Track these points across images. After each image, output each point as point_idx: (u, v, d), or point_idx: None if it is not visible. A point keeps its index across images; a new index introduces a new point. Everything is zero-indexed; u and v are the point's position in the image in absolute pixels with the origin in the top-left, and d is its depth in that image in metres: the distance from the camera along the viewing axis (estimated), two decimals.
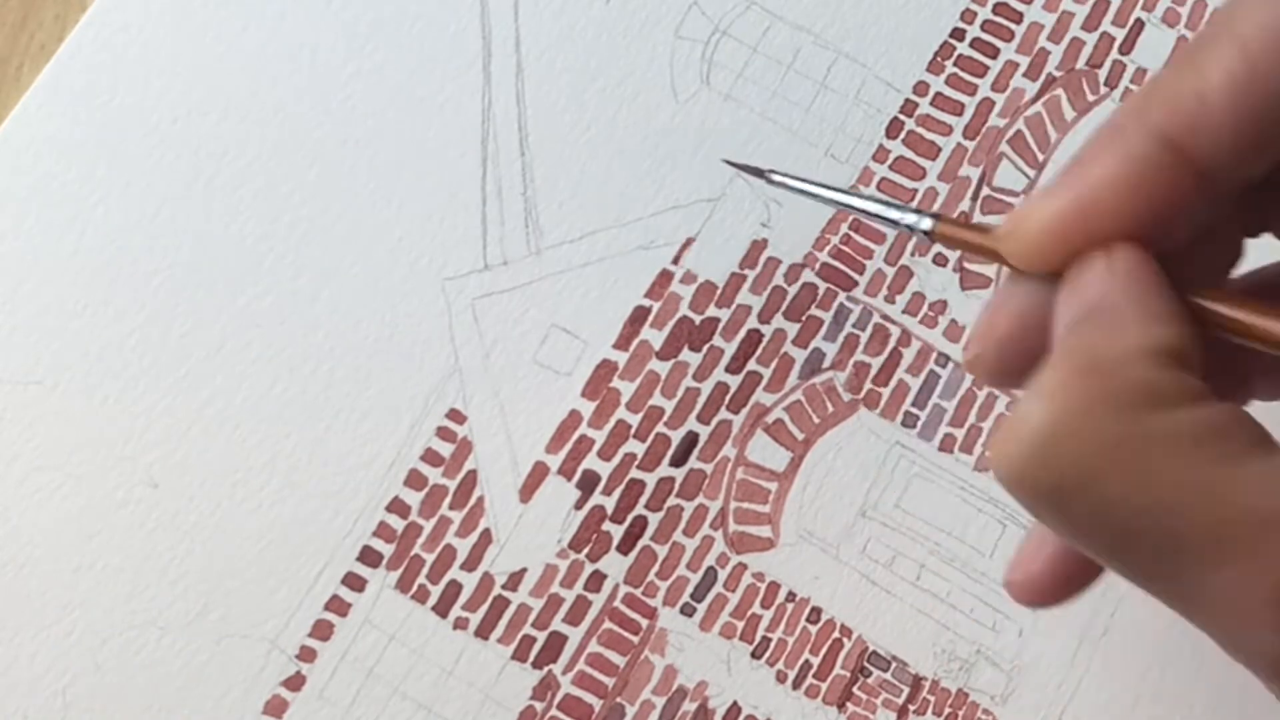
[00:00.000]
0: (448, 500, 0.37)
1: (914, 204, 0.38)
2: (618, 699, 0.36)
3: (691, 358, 0.37)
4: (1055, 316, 0.27)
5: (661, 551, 0.36)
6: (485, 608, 0.36)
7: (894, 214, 0.29)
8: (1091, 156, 0.27)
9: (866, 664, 0.36)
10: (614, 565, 0.36)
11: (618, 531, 0.36)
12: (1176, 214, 0.26)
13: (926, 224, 0.29)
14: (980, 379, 0.29)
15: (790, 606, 0.36)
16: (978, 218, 0.38)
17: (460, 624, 0.36)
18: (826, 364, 0.38)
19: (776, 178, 0.32)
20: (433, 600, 0.36)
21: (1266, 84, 0.25)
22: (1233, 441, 0.24)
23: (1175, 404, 0.24)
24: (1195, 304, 0.26)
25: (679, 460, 0.37)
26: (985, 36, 0.39)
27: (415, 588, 0.36)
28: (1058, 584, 0.29)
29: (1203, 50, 0.26)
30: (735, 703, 0.36)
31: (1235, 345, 0.27)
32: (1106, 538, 0.24)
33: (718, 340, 0.37)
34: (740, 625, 0.36)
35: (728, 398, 0.37)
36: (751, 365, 0.37)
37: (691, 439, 0.37)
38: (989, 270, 0.38)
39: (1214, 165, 0.26)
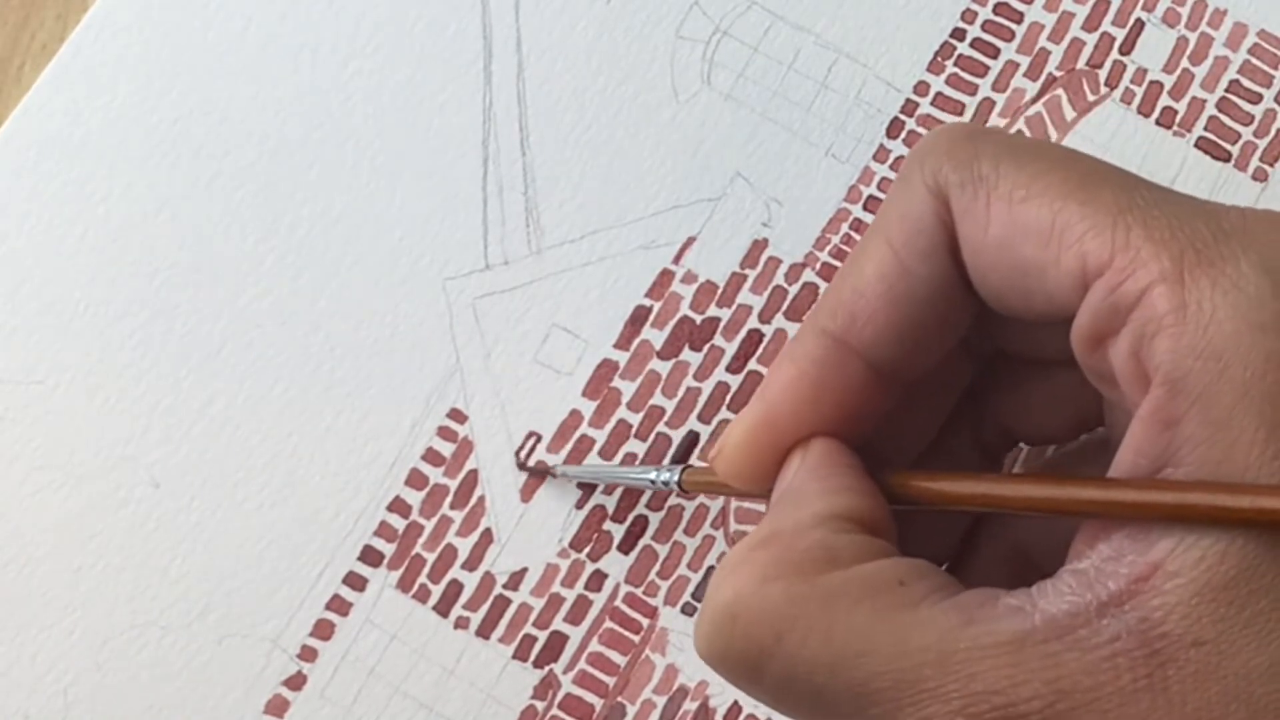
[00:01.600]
0: (449, 500, 0.37)
1: None
2: (619, 698, 0.36)
3: (692, 357, 0.37)
4: None
5: (662, 551, 0.36)
6: (486, 607, 0.36)
7: (651, 474, 0.33)
8: (774, 367, 0.28)
9: None
10: (615, 565, 0.36)
11: (619, 531, 0.36)
12: (857, 404, 0.28)
13: (677, 476, 0.32)
14: None
15: None
16: None
17: (461, 623, 0.36)
18: None
19: (559, 471, 0.36)
20: (434, 600, 0.36)
21: (911, 270, 0.27)
22: (911, 590, 0.24)
23: (851, 562, 0.25)
24: (884, 480, 0.27)
25: (680, 460, 0.37)
26: (986, 36, 0.39)
27: (416, 587, 0.36)
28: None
29: (858, 252, 0.28)
30: (736, 702, 0.36)
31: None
32: (804, 700, 0.24)
33: (719, 340, 0.38)
34: None
35: (729, 397, 0.37)
36: (752, 365, 0.37)
37: (693, 439, 0.37)
38: None
39: (879, 354, 0.27)
